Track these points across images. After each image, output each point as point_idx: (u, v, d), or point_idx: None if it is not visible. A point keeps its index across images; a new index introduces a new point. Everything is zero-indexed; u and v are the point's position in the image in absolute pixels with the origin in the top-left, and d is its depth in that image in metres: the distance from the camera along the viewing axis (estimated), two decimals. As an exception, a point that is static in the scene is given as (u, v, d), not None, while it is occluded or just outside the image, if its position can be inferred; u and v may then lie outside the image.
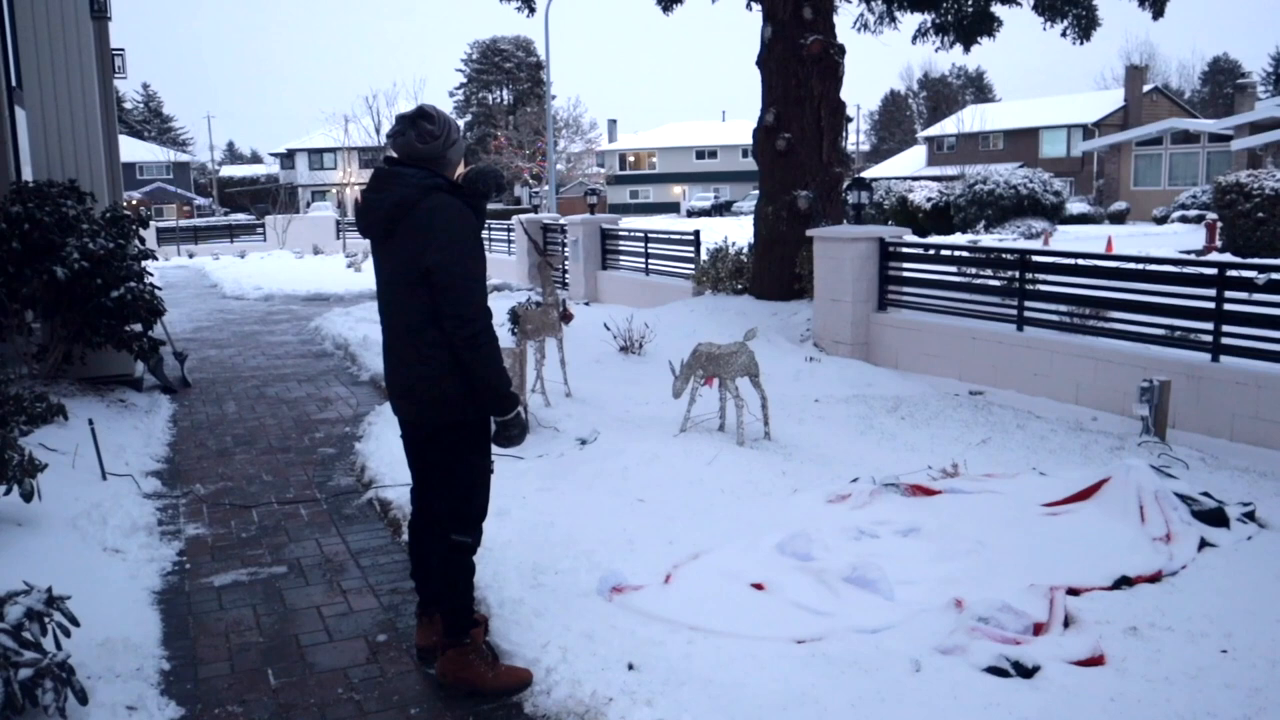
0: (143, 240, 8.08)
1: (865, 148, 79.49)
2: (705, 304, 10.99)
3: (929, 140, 60.42)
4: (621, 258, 14.95)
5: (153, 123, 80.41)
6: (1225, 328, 6.32)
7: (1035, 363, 7.48)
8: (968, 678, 3.23)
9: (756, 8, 11.36)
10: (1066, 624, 3.57)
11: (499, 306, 6.27)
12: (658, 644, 3.51)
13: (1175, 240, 22.83)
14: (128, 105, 76.05)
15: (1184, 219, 30.24)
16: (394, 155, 3.38)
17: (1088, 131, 49.23)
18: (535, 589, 4.00)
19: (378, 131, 46.80)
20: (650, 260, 13.96)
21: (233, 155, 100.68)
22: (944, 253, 8.94)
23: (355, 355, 10.15)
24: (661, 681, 3.25)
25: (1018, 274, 7.78)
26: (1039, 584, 3.82)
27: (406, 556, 4.58)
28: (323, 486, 5.95)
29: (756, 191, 11.68)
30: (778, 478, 5.45)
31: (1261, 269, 6.36)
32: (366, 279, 18.81)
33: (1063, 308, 7.57)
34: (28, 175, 8.02)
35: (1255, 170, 21.75)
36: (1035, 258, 7.92)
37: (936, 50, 14.15)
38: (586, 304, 13.57)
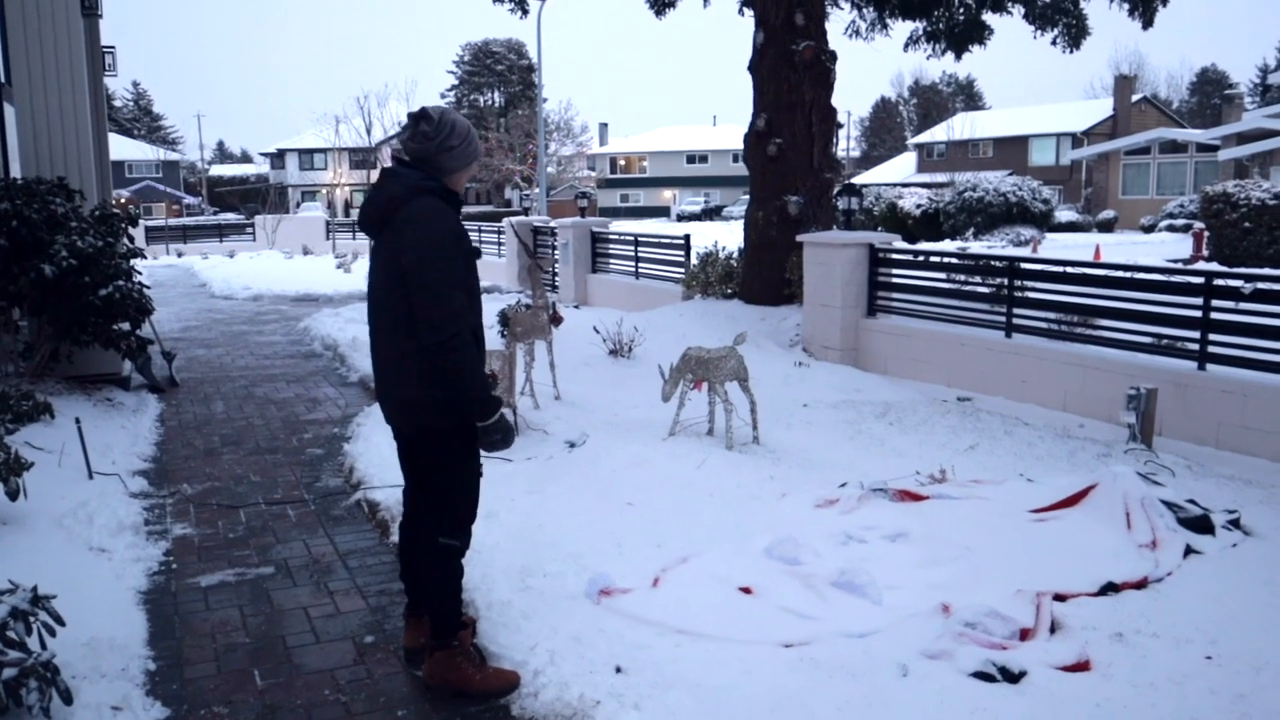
0: (131, 239, 8.04)
1: (856, 154, 79.75)
2: (695, 308, 11.00)
3: (919, 147, 60.64)
4: (611, 261, 14.95)
5: (142, 121, 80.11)
6: (1212, 336, 6.36)
7: (1023, 369, 7.52)
8: (954, 683, 3.23)
9: (749, 13, 11.40)
10: (1053, 630, 3.59)
11: (489, 309, 6.26)
12: (646, 647, 3.51)
13: (1163, 249, 22.95)
14: (117, 103, 75.74)
15: (1171, 228, 30.43)
16: (401, 154, 3.41)
17: (1076, 140, 49.54)
18: (523, 591, 4.00)
19: (368, 132, 46.63)
20: (640, 264, 13.97)
21: (223, 154, 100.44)
22: (933, 259, 8.98)
23: (344, 356, 10.12)
24: (649, 685, 3.25)
25: (1006, 281, 7.82)
26: (1026, 590, 3.84)
27: (394, 558, 4.58)
28: (311, 487, 5.93)
29: (747, 196, 11.72)
30: (766, 482, 5.45)
31: (1248, 278, 6.41)
32: (356, 280, 18.78)
33: (1051, 315, 7.61)
34: (16, 172, 7.96)
35: (1242, 180, 21.94)
36: (1024, 265, 7.98)
37: (928, 58, 14.22)
38: (576, 307, 13.58)
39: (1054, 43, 12.50)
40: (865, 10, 13.10)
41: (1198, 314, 6.41)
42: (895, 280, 8.96)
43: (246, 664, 3.68)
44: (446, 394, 3.25)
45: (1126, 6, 11.70)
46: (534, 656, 3.47)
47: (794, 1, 10.49)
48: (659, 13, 13.84)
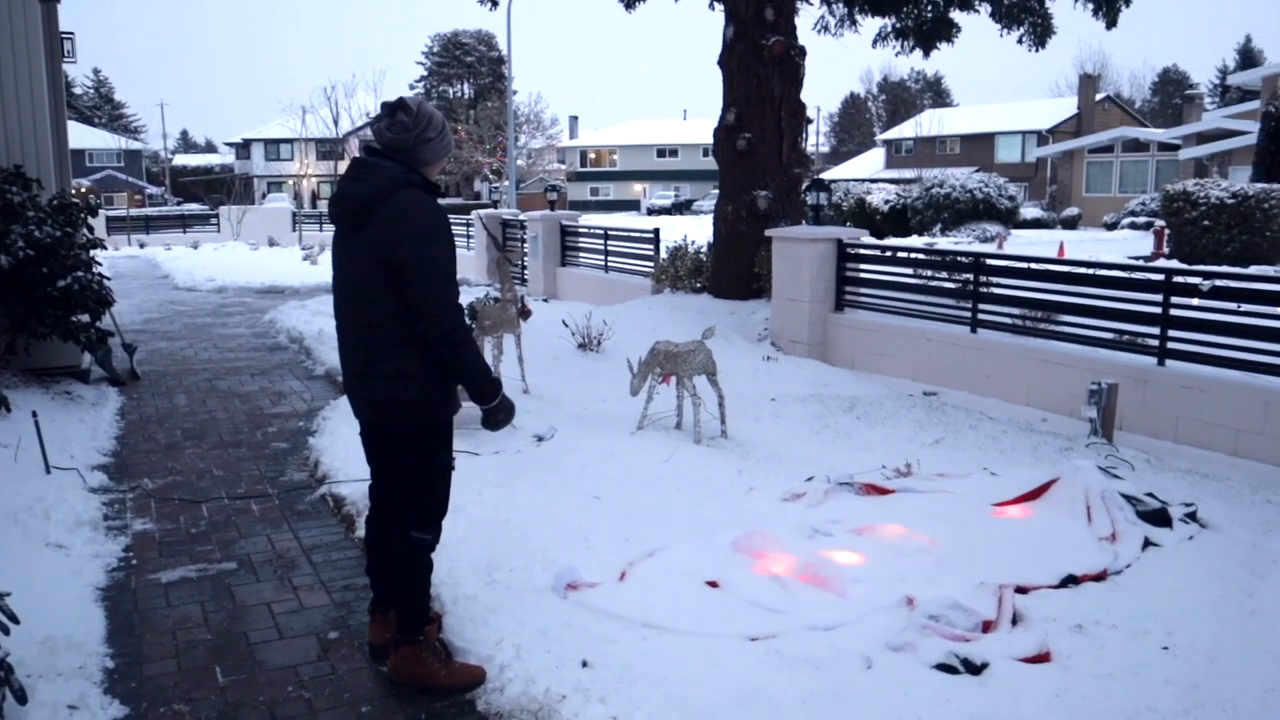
0: (91, 229, 7.90)
1: (825, 149, 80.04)
2: (664, 302, 11.00)
3: (887, 143, 61.08)
4: (581, 255, 14.91)
5: (103, 109, 78.60)
6: (1171, 332, 6.47)
7: (988, 364, 7.60)
8: (918, 674, 3.27)
9: (719, 7, 11.39)
10: (1015, 622, 3.63)
11: (457, 302, 6.21)
12: (612, 641, 3.51)
13: (1125, 246, 23.30)
14: (77, 90, 74.30)
15: (1134, 225, 30.90)
16: (373, 144, 3.35)
17: (1042, 138, 50.12)
18: (490, 586, 3.98)
19: (336, 123, 46.17)
20: (610, 258, 13.95)
21: (186, 144, 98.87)
22: (901, 255, 9.05)
23: (310, 349, 10.01)
24: (615, 679, 3.26)
25: (972, 277, 7.89)
26: (988, 582, 3.88)
27: (359, 553, 4.54)
28: (275, 481, 5.87)
29: (717, 191, 11.72)
30: (734, 476, 5.47)
31: (1206, 275, 6.52)
32: (322, 272, 18.56)
33: (1015, 311, 7.70)
34: (-29, 160, 7.79)
35: (1202, 179, 22.30)
36: (989, 261, 8.05)
37: (896, 54, 14.30)
38: (545, 300, 13.53)
39: (1020, 41, 12.61)
40: (835, 6, 13.13)
41: (1158, 310, 6.52)
42: (863, 275, 9.02)
43: (208, 661, 3.63)
44: (432, 389, 3.25)
45: (1091, 6, 11.82)
46: (500, 651, 3.46)
47: (764, -4, 10.50)
48: (629, 6, 13.79)
